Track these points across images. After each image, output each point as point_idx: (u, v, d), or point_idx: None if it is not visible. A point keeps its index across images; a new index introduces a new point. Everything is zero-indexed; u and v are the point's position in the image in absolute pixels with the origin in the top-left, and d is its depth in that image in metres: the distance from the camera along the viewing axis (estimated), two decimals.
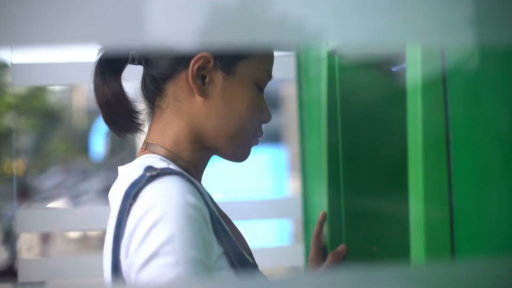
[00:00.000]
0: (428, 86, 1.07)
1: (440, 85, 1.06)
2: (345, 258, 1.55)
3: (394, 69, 1.49)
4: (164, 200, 1.06)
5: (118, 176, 1.22)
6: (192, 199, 1.07)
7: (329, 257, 1.56)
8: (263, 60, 1.24)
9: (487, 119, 1.06)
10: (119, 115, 1.24)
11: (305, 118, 1.92)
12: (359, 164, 1.58)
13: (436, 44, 1.07)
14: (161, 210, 1.06)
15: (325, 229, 1.59)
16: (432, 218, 1.07)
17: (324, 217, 1.60)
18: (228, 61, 1.20)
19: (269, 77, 1.25)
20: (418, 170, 1.08)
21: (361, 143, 1.57)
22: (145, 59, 1.23)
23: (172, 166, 1.15)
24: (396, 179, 1.58)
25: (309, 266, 1.60)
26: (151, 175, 1.10)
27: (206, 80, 1.19)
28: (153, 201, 1.07)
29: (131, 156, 7.16)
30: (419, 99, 1.07)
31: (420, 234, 1.08)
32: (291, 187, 7.00)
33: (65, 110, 14.97)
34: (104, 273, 1.20)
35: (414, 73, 1.09)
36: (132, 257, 1.07)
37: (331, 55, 1.56)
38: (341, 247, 1.56)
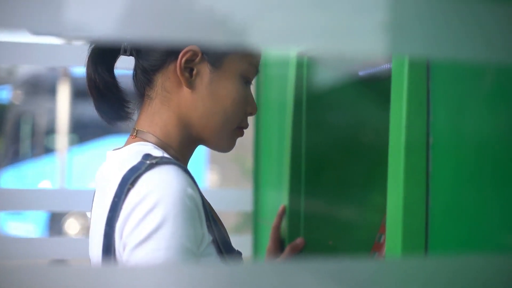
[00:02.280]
0: (412, 91, 1.14)
1: (424, 90, 1.14)
2: (301, 251, 1.63)
3: (361, 73, 1.57)
4: (163, 188, 1.11)
5: (107, 160, 1.25)
6: (189, 189, 1.12)
7: (287, 249, 1.63)
8: (250, 55, 1.29)
9: (467, 125, 1.15)
10: (110, 104, 1.27)
11: (261, 116, 1.98)
12: (321, 163, 1.65)
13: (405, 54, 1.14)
14: (159, 196, 1.10)
15: (284, 222, 1.66)
16: (408, 216, 1.15)
17: (283, 211, 1.66)
18: (215, 54, 1.24)
19: (256, 70, 1.30)
20: (399, 171, 1.16)
21: (324, 142, 1.64)
22: (136, 51, 1.27)
23: (166, 155, 1.18)
24: (356, 179, 1.66)
25: (267, 257, 1.66)
26: (151, 163, 1.13)
27: (194, 72, 1.23)
28: (151, 187, 1.11)
29: None
30: (404, 104, 1.14)
31: (397, 231, 1.16)
32: (209, 179, 7.07)
33: None
34: (92, 254, 1.23)
35: (399, 78, 1.16)
36: (126, 239, 1.11)
37: (300, 56, 1.62)
38: (299, 240, 1.64)
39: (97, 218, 1.21)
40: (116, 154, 1.24)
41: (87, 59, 1.26)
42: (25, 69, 8.44)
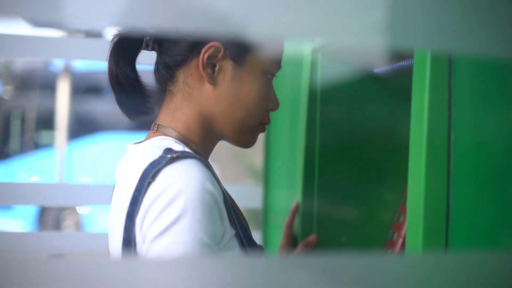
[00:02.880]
0: (434, 88, 1.14)
1: (446, 87, 1.14)
2: (314, 248, 1.63)
3: (376, 70, 1.57)
4: (182, 182, 1.10)
5: (127, 154, 1.25)
6: (208, 184, 1.11)
7: (300, 245, 1.63)
8: (272, 51, 1.28)
9: (488, 122, 1.15)
10: (131, 99, 1.27)
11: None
12: (336, 161, 1.65)
13: (422, 48, 1.14)
14: (178, 190, 1.10)
15: (297, 219, 1.66)
16: (429, 213, 1.16)
17: (297, 208, 1.67)
18: (237, 51, 1.24)
19: (279, 66, 1.30)
20: (420, 168, 1.16)
21: (338, 139, 1.64)
22: (158, 46, 1.27)
23: (187, 149, 1.18)
24: (369, 177, 1.66)
25: (280, 253, 1.66)
26: (172, 157, 1.13)
27: (216, 68, 1.23)
28: (171, 181, 1.11)
29: None
30: (425, 100, 1.15)
31: (418, 227, 1.16)
32: None
33: None
34: (112, 247, 1.23)
35: (421, 74, 1.16)
36: (145, 232, 1.11)
37: (314, 53, 1.63)
38: (312, 237, 1.64)
39: (117, 211, 1.21)
40: (136, 148, 1.23)
41: (109, 53, 1.26)
42: (17, 64, 8.42)
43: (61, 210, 7.57)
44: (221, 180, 1.20)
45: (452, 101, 1.14)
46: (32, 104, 8.13)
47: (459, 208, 1.15)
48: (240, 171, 6.17)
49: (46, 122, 7.81)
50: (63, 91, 7.07)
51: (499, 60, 1.14)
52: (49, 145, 7.76)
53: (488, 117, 1.15)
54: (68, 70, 7.01)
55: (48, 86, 7.71)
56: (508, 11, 0.98)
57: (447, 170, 1.15)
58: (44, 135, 8.00)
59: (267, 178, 2.02)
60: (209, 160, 1.29)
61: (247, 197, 2.13)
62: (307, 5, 0.89)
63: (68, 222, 7.64)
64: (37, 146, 8.04)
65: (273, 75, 1.29)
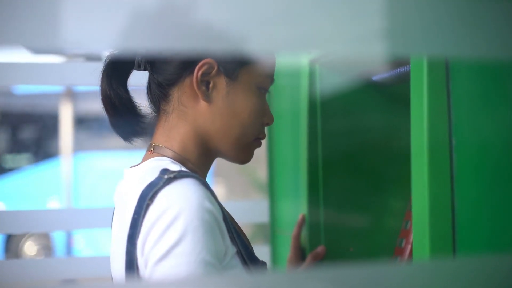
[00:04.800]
0: (432, 92, 1.14)
1: (444, 91, 1.14)
2: (323, 259, 1.62)
3: (374, 78, 1.57)
4: (181, 202, 1.10)
5: (124, 178, 1.24)
6: (207, 203, 1.11)
7: (309, 258, 1.62)
8: (265, 65, 1.28)
9: (489, 125, 1.14)
10: (125, 120, 1.26)
11: (273, 126, 1.97)
12: (339, 171, 1.65)
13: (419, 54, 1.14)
14: (177, 211, 1.09)
15: (304, 231, 1.66)
16: (435, 219, 1.15)
17: (303, 220, 1.66)
18: (231, 66, 1.24)
19: (272, 80, 1.30)
20: (423, 174, 1.15)
21: (340, 149, 1.64)
22: (150, 65, 1.26)
23: (184, 169, 1.18)
24: (374, 185, 1.66)
25: (288, 266, 1.66)
26: (169, 177, 1.13)
27: (210, 85, 1.23)
28: (170, 202, 1.10)
29: None
30: (424, 106, 1.14)
31: (424, 234, 1.16)
32: (216, 192, 7.01)
33: None
34: (114, 271, 1.22)
35: (418, 80, 1.16)
36: (147, 256, 1.10)
37: (312, 64, 1.62)
38: (320, 249, 1.63)
39: (118, 235, 1.20)
40: (133, 171, 1.23)
41: (101, 75, 1.26)
42: None
43: (29, 236, 7.47)
44: (228, 196, 1.19)
45: (451, 104, 1.14)
46: None
47: (464, 211, 1.14)
48: (246, 186, 6.16)
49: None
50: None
51: (496, 62, 1.14)
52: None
53: (488, 119, 1.14)
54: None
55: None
56: (503, 11, 0.98)
57: (450, 174, 1.14)
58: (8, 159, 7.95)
59: (272, 191, 2.01)
60: (214, 176, 1.29)
61: (254, 211, 2.12)
62: (301, 17, 0.89)
63: (35, 248, 7.53)
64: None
65: (266, 89, 1.29)
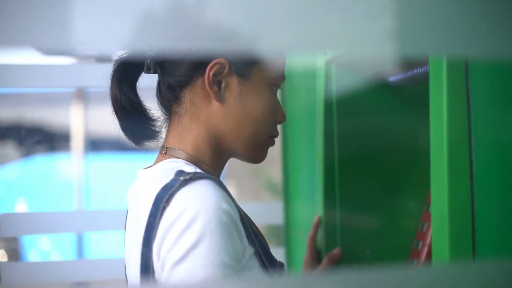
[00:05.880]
0: (451, 93, 1.13)
1: (464, 91, 1.13)
2: (339, 261, 1.61)
3: (391, 79, 1.56)
4: (198, 204, 1.09)
5: (138, 179, 1.24)
6: (224, 204, 1.10)
7: (325, 260, 1.61)
8: (276, 63, 1.27)
9: (508, 124, 1.13)
10: (136, 124, 1.26)
11: (288, 127, 1.97)
12: (355, 172, 1.64)
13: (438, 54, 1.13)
14: (194, 213, 1.08)
15: (320, 232, 1.65)
16: (455, 220, 1.14)
17: (319, 221, 1.65)
18: (242, 65, 1.23)
19: (283, 78, 1.29)
20: (442, 175, 1.14)
21: (356, 150, 1.63)
22: (160, 68, 1.25)
23: (199, 170, 1.17)
24: (390, 186, 1.65)
25: (304, 268, 1.65)
26: (185, 179, 1.12)
27: (222, 85, 1.22)
28: (186, 205, 1.09)
29: None
30: (444, 106, 1.13)
31: (444, 236, 1.14)
32: None
33: None
34: (129, 275, 1.21)
35: (438, 80, 1.15)
36: (164, 259, 1.09)
37: (328, 65, 1.62)
38: (336, 250, 1.62)
39: (133, 238, 1.19)
40: (146, 173, 1.22)
41: (110, 79, 1.25)
42: None
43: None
44: (239, 198, 1.18)
45: (470, 105, 1.13)
46: None
47: (484, 212, 1.13)
48: (258, 187, 6.16)
49: None
50: None
51: None
52: None
53: (508, 119, 1.13)
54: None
55: None
56: None
57: (470, 175, 1.13)
58: None
59: (287, 193, 2.00)
60: (226, 178, 1.28)
61: (268, 213, 2.11)
62: (318, 17, 0.89)
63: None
64: None
65: (278, 87, 1.28)
